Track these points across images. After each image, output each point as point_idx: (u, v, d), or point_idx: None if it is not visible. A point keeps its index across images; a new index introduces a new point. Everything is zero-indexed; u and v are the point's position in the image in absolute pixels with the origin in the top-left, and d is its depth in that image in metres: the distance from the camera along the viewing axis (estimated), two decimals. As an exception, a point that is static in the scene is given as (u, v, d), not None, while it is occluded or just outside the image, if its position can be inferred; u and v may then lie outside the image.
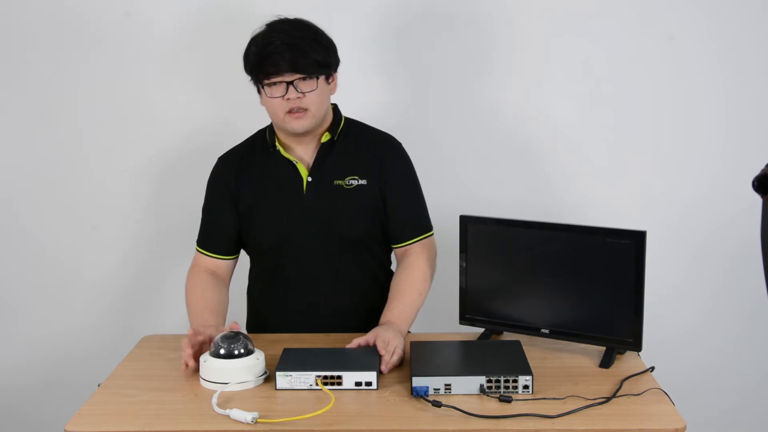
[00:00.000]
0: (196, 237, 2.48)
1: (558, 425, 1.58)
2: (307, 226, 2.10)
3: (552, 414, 1.61)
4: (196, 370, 1.82)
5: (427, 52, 2.60)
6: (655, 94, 2.64)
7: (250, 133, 2.63)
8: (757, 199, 1.52)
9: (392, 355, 1.85)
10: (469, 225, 2.00)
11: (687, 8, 2.59)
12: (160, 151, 2.69)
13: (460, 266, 2.02)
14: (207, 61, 2.63)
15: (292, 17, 2.05)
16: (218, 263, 2.17)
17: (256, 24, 2.58)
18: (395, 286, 2.10)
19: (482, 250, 2.00)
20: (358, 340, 1.89)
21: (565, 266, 1.90)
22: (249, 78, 2.07)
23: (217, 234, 2.17)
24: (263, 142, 2.16)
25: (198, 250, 2.19)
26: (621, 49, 2.61)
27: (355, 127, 2.18)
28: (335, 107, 2.16)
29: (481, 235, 1.99)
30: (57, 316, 2.77)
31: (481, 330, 2.05)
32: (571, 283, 1.90)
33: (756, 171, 1.50)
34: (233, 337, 1.80)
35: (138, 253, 2.74)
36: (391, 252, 2.23)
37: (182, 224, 2.72)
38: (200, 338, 1.87)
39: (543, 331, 1.95)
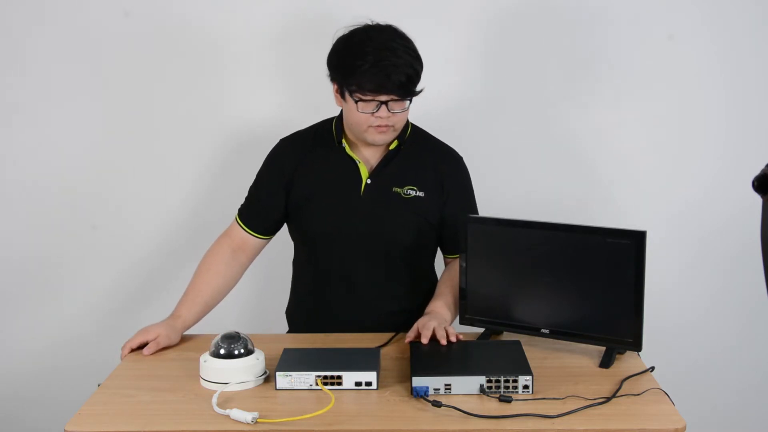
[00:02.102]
0: (197, 237, 2.49)
1: (558, 425, 1.58)
2: (357, 227, 2.11)
3: (552, 414, 1.61)
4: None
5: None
6: (655, 94, 2.64)
7: (246, 136, 2.64)
8: (757, 199, 1.52)
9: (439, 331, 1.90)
10: (469, 225, 2.00)
11: (687, 8, 2.59)
12: (160, 151, 2.69)
13: (460, 266, 2.02)
14: (206, 61, 2.63)
15: (384, 23, 2.02)
16: (250, 239, 2.19)
17: (255, 23, 2.61)
18: (442, 284, 2.15)
19: (482, 250, 2.00)
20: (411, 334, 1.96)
21: (565, 266, 1.90)
22: (328, 74, 2.05)
23: (260, 212, 2.19)
24: (328, 134, 2.16)
25: (236, 220, 2.20)
26: (621, 49, 2.61)
27: (419, 136, 2.19)
28: None
29: (481, 235, 1.99)
30: (57, 317, 2.77)
31: (481, 330, 2.05)
32: (571, 283, 1.90)
33: (756, 171, 1.49)
34: (233, 337, 1.80)
35: (138, 253, 2.74)
36: (434, 263, 2.27)
37: (183, 224, 2.73)
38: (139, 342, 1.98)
39: (543, 331, 1.95)
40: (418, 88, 2.03)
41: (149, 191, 2.71)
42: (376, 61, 1.94)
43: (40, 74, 2.63)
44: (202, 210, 2.71)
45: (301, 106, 2.59)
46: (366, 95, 1.97)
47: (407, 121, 2.16)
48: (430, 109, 2.51)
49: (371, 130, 2.03)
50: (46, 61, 2.62)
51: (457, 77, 2.65)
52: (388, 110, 1.99)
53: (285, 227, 2.25)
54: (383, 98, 1.97)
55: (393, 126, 2.04)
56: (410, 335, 1.96)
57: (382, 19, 2.06)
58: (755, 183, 1.49)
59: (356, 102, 1.99)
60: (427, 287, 2.22)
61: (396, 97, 1.98)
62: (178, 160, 2.69)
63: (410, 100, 2.02)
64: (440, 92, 2.62)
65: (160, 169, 2.70)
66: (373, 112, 1.99)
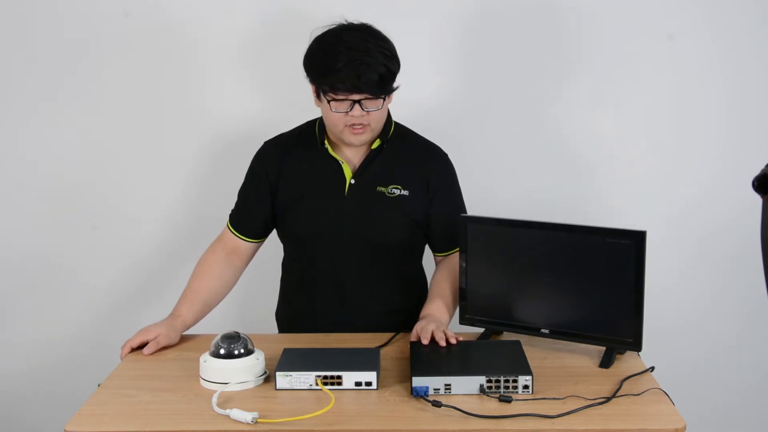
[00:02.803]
0: (196, 237, 2.49)
1: (558, 425, 1.58)
2: (343, 227, 2.11)
3: (552, 414, 1.61)
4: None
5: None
6: (655, 94, 2.64)
7: (247, 135, 2.64)
8: (757, 199, 1.52)
9: (437, 332, 1.89)
10: (468, 225, 2.00)
11: (687, 8, 2.59)
12: (160, 150, 2.69)
13: (460, 266, 2.02)
14: (206, 61, 2.63)
15: (358, 23, 2.02)
16: (241, 243, 2.20)
17: (254, 23, 2.61)
18: (437, 284, 2.14)
19: (482, 250, 1.99)
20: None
21: (565, 266, 1.90)
22: (306, 76, 2.05)
23: (248, 216, 2.19)
24: (312, 135, 2.16)
25: (227, 226, 2.21)
26: (620, 49, 2.61)
27: (403, 134, 2.18)
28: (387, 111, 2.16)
29: (481, 235, 1.99)
30: (57, 317, 2.77)
31: (481, 330, 2.05)
32: (571, 283, 1.90)
33: (756, 171, 1.49)
34: (233, 337, 1.80)
35: (138, 253, 2.74)
36: (422, 262, 2.26)
37: (183, 224, 2.73)
38: (139, 342, 1.98)
39: (543, 331, 1.95)
40: (394, 86, 2.03)
41: (150, 191, 2.71)
42: (348, 61, 1.94)
43: (39, 74, 2.63)
44: (203, 210, 2.71)
45: (304, 105, 2.58)
46: (338, 95, 1.97)
47: (391, 119, 2.15)
48: (426, 110, 2.52)
49: (347, 131, 2.02)
50: (46, 60, 2.62)
51: (456, 77, 2.65)
52: (362, 109, 1.99)
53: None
54: (355, 97, 1.97)
55: (369, 125, 2.03)
56: (413, 337, 1.95)
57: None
58: (755, 183, 1.49)
59: (329, 102, 1.99)
60: (416, 287, 2.23)
61: (369, 96, 1.98)
62: (178, 159, 2.69)
63: (384, 99, 2.01)
64: (440, 92, 2.63)
65: (161, 169, 2.70)
66: (347, 112, 1.99)
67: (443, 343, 1.87)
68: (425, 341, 1.88)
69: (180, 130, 2.68)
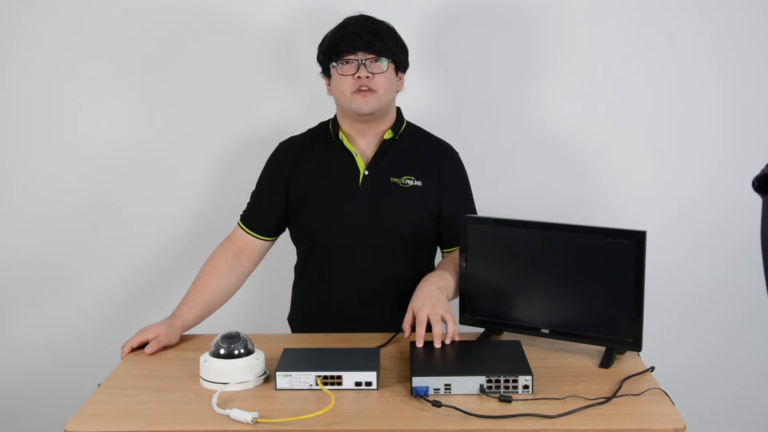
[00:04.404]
0: (196, 238, 2.49)
1: (558, 425, 1.58)
2: (358, 218, 2.13)
3: (552, 414, 1.61)
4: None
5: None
6: (654, 94, 2.64)
7: (249, 138, 2.65)
8: (757, 199, 1.52)
9: (434, 324, 1.88)
10: (468, 225, 2.00)
11: (687, 8, 2.59)
12: (161, 151, 2.69)
13: (460, 266, 2.02)
14: (206, 62, 2.63)
15: (369, 16, 2.14)
16: (253, 241, 2.21)
17: (254, 25, 2.61)
18: (439, 265, 2.17)
19: (482, 250, 2.00)
20: (406, 326, 1.96)
21: (565, 266, 1.90)
22: (320, 70, 2.16)
23: (261, 213, 2.21)
24: (326, 132, 2.21)
25: (239, 224, 2.23)
26: (620, 49, 2.61)
27: (415, 131, 2.23)
28: (398, 110, 2.21)
29: (481, 235, 1.99)
30: (57, 317, 2.77)
31: (481, 330, 2.05)
32: (571, 283, 1.90)
33: (756, 171, 1.49)
34: (233, 337, 1.80)
35: (138, 253, 2.74)
36: (435, 255, 2.27)
37: (183, 225, 2.73)
38: (139, 342, 1.98)
39: (543, 331, 1.95)
40: (397, 57, 2.11)
41: (150, 191, 2.71)
42: (353, 24, 2.07)
43: (40, 75, 2.63)
44: (204, 211, 2.71)
45: (306, 110, 2.58)
46: (343, 56, 2.05)
47: (402, 116, 2.19)
48: (425, 110, 2.52)
49: (355, 96, 2.07)
50: (46, 62, 2.62)
51: (455, 76, 2.65)
52: (368, 70, 2.05)
53: (287, 234, 2.26)
54: (360, 56, 2.05)
55: (376, 91, 2.07)
56: (406, 320, 1.95)
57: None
58: (755, 183, 1.49)
59: (337, 67, 2.06)
60: None
61: (372, 55, 2.06)
62: (179, 160, 2.69)
63: (388, 61, 2.08)
64: (439, 91, 2.63)
65: (162, 170, 2.70)
66: (354, 74, 2.05)
67: (438, 344, 1.86)
68: (419, 341, 1.87)
69: (181, 132, 2.68)
